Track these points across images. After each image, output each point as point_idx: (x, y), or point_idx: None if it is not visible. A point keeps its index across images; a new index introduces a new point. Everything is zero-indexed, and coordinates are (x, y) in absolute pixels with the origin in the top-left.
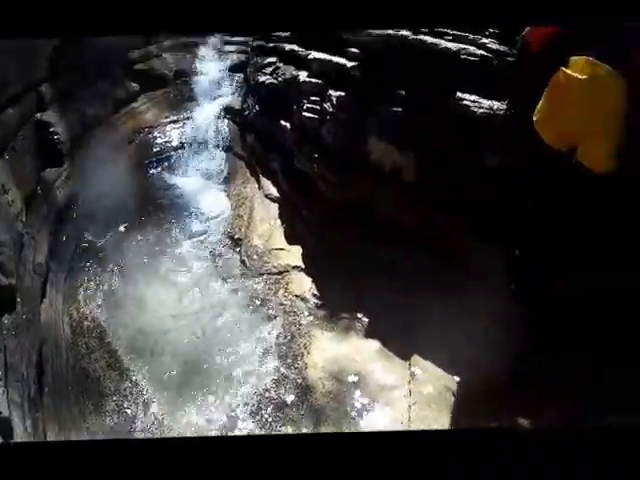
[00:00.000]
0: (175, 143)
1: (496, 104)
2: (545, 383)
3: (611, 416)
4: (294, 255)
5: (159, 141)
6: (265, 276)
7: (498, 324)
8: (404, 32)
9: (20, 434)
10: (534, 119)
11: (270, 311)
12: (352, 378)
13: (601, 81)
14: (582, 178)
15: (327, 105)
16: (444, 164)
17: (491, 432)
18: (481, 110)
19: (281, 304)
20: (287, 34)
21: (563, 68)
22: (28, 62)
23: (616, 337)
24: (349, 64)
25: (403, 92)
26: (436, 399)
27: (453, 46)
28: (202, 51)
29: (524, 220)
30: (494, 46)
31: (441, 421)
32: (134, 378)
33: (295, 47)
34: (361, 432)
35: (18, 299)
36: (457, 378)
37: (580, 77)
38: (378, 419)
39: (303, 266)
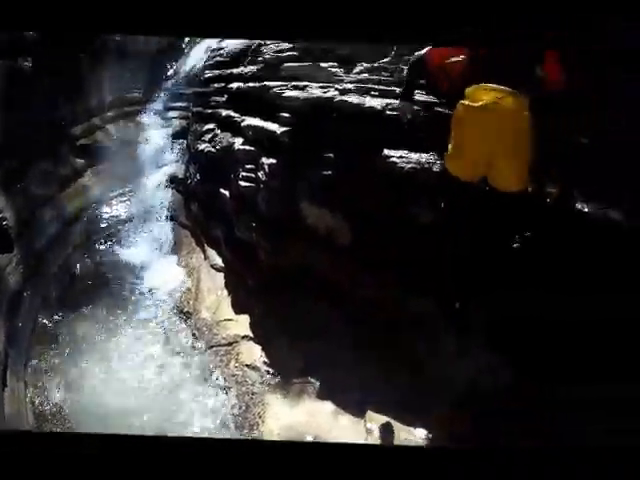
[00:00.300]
0: (123, 217)
1: (424, 157)
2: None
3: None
4: (242, 324)
5: (106, 216)
6: (215, 348)
7: (443, 369)
8: (330, 94)
9: None
10: (444, 158)
11: (223, 382)
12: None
13: (499, 103)
14: (496, 202)
15: (260, 173)
16: (373, 223)
17: (476, 452)
18: (409, 165)
19: (233, 375)
20: (223, 99)
21: (461, 101)
22: None
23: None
24: (279, 130)
25: (332, 155)
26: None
27: (378, 103)
28: (145, 119)
29: (445, 264)
30: (421, 97)
31: None
32: None
33: (231, 113)
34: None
35: None
36: (412, 428)
37: (475, 105)
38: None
39: (252, 335)
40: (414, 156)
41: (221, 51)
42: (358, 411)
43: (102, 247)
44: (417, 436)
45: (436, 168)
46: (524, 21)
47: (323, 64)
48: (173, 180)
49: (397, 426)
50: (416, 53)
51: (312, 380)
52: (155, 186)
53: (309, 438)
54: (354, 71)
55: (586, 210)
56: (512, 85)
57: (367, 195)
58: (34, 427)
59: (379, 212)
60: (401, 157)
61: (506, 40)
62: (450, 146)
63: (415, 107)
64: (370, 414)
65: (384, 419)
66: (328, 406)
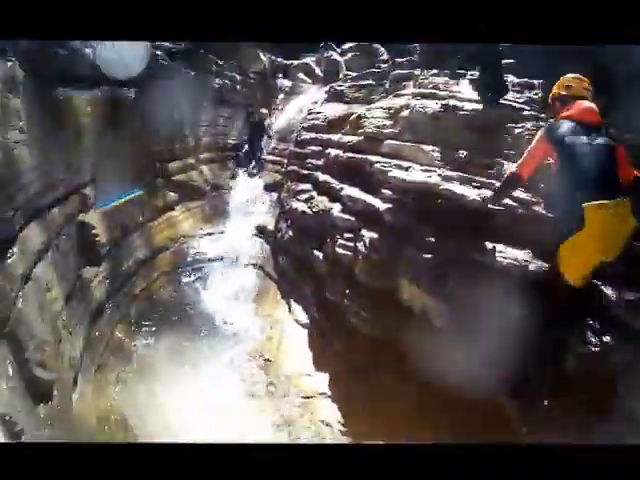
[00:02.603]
0: (209, 255)
1: (520, 254)
2: None
3: None
4: (321, 382)
5: (193, 252)
6: (291, 399)
7: None
8: (434, 179)
9: None
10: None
11: (294, 434)
12: None
13: (621, 206)
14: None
15: (360, 244)
16: (468, 310)
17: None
18: (506, 261)
19: (306, 427)
20: (320, 162)
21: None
22: (74, 167)
23: None
24: (382, 206)
25: (433, 239)
26: None
27: (478, 196)
28: (238, 167)
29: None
30: (520, 195)
31: None
32: None
33: (329, 178)
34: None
35: (55, 391)
36: None
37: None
38: None
39: (330, 394)
40: (511, 252)
41: (319, 115)
42: None
43: (186, 280)
44: None
45: (532, 267)
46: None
47: (425, 147)
48: (262, 231)
49: None
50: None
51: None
52: (244, 233)
53: None
54: (454, 156)
55: None
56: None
57: (465, 282)
58: (95, 430)
59: (474, 299)
60: (500, 252)
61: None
62: (564, 246)
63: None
64: None
65: None
66: None
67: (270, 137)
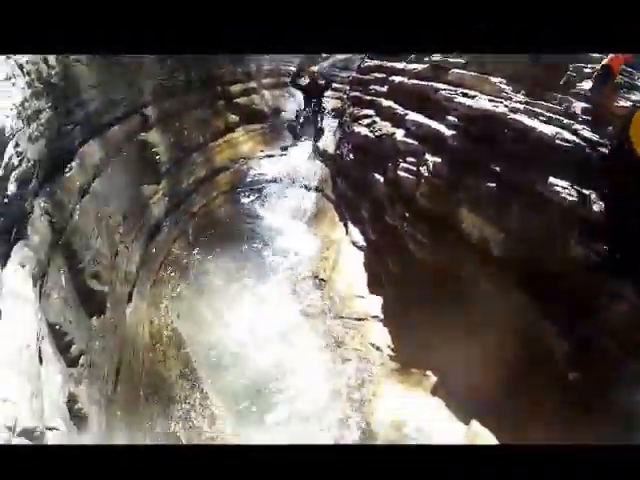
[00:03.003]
0: (268, 177)
1: (587, 192)
2: None
3: None
4: (375, 304)
5: (253, 173)
6: (344, 320)
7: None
8: (501, 109)
9: (95, 431)
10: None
11: (344, 354)
12: (413, 433)
13: None
14: None
15: (423, 169)
16: (527, 242)
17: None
18: (570, 198)
19: (356, 349)
20: (384, 89)
21: None
22: (136, 85)
23: None
24: (448, 132)
25: (498, 168)
26: None
27: (549, 130)
28: (299, 92)
29: None
30: (587, 134)
31: None
32: (204, 390)
33: (393, 104)
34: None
35: (108, 304)
36: None
37: None
38: None
39: (382, 317)
40: (574, 189)
41: None
42: (466, 418)
43: (244, 200)
44: None
45: (596, 208)
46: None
47: (492, 78)
48: (323, 154)
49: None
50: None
51: (429, 374)
52: (303, 156)
53: (413, 429)
54: (521, 92)
55: None
56: None
57: (525, 216)
58: (147, 345)
59: (538, 237)
60: (565, 188)
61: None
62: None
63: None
64: (475, 425)
65: (487, 434)
66: (439, 404)
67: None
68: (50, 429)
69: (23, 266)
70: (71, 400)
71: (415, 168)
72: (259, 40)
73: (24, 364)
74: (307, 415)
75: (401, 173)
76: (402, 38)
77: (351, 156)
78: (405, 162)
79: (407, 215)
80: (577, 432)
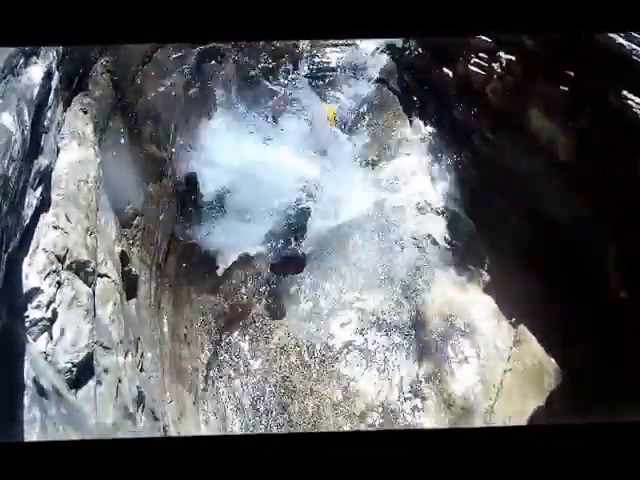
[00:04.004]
0: (332, 65)
1: None
2: None
3: None
4: (434, 195)
5: (317, 60)
6: (402, 207)
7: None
8: None
9: (143, 295)
10: None
11: (402, 239)
12: (462, 327)
13: None
14: None
15: (496, 65)
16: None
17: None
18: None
19: (414, 237)
20: None
21: None
22: None
23: None
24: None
25: (572, 73)
26: (529, 375)
27: (628, 44)
28: None
29: None
30: None
31: (526, 401)
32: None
33: None
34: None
35: (166, 172)
36: (553, 360)
37: None
38: (471, 375)
39: (442, 209)
40: None
41: None
42: (514, 322)
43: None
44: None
45: None
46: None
47: None
48: (390, 47)
49: (539, 352)
50: None
51: (484, 273)
52: (370, 50)
53: (462, 324)
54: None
55: None
56: None
57: (598, 125)
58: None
59: (609, 148)
60: (638, 104)
61: None
62: None
63: None
64: (523, 330)
65: (533, 340)
66: (490, 303)
67: None
68: (101, 276)
69: (85, 112)
70: (123, 257)
71: (487, 64)
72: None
73: (82, 199)
74: (359, 296)
75: (472, 68)
76: None
77: (420, 50)
78: (477, 57)
79: (475, 110)
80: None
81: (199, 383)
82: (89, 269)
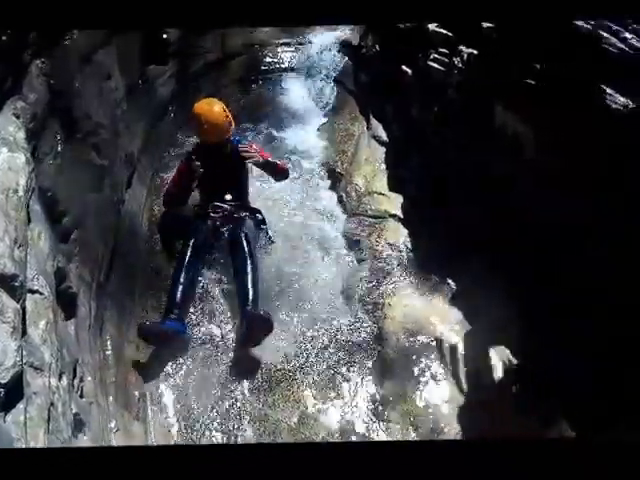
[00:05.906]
0: (284, 66)
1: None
2: None
3: None
4: (394, 203)
5: (268, 60)
6: (361, 217)
7: None
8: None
9: (82, 315)
10: None
11: (360, 253)
12: (427, 342)
13: None
14: None
15: (456, 60)
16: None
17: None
18: (614, 106)
19: (372, 249)
20: None
21: None
22: None
23: None
24: (484, 24)
25: (538, 66)
26: None
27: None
28: None
29: None
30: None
31: None
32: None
33: None
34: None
35: (106, 182)
36: None
37: None
38: (438, 393)
39: (402, 216)
40: (621, 99)
41: None
42: (483, 333)
43: (254, 86)
44: None
45: None
46: None
47: None
48: (345, 44)
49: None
50: None
51: (449, 282)
52: (324, 46)
53: (428, 338)
54: None
55: None
56: None
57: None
58: (145, 233)
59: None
60: (610, 95)
61: None
62: None
63: None
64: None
65: (506, 355)
66: (456, 315)
67: None
68: (33, 292)
69: (17, 117)
70: (59, 275)
71: (447, 60)
72: None
73: (11, 209)
74: (315, 315)
75: (432, 64)
76: None
77: (377, 48)
78: (437, 53)
79: (436, 109)
80: None
81: (148, 411)
82: (16, 283)
